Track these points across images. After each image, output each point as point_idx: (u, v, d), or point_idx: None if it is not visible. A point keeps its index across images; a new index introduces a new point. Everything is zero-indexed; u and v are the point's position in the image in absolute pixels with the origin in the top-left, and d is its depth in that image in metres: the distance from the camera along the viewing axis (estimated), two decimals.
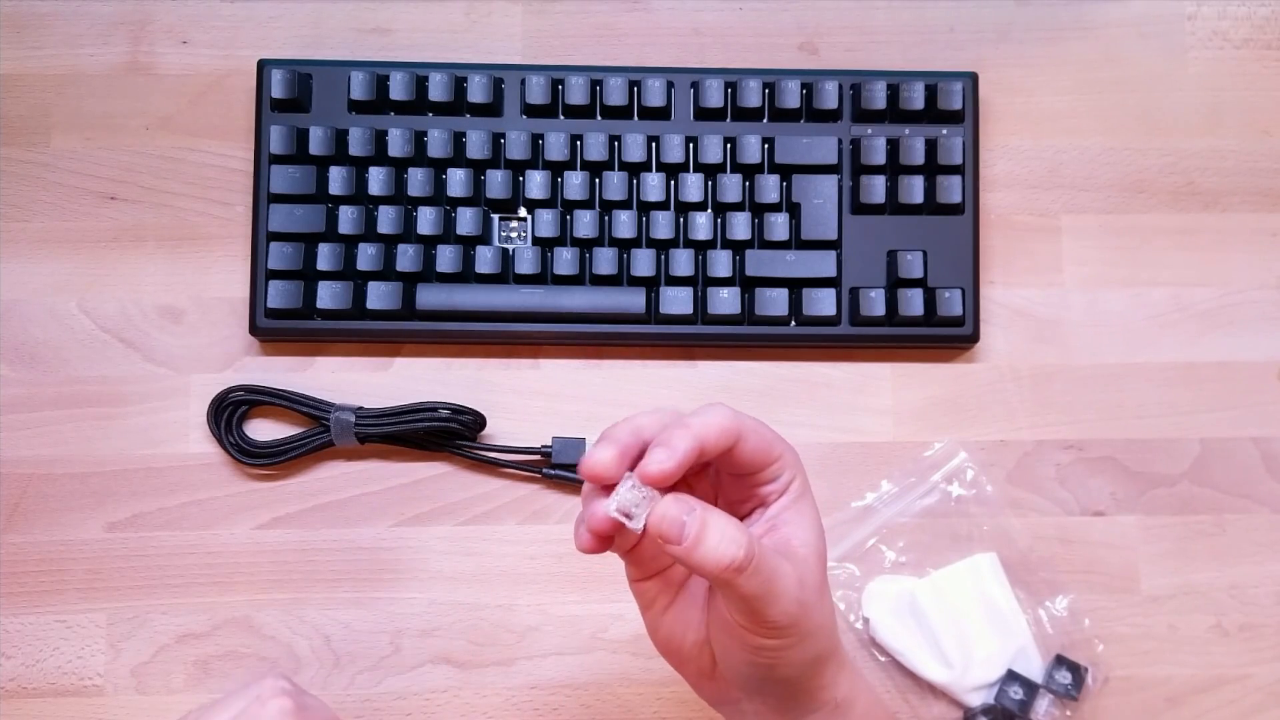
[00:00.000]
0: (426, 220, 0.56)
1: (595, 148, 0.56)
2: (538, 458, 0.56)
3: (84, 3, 0.59)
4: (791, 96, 0.57)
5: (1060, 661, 0.55)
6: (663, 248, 0.56)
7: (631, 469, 0.35)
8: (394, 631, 0.56)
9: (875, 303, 0.56)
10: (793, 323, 0.57)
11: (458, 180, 0.56)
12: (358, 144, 0.56)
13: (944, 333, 0.57)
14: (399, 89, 0.56)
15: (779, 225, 0.56)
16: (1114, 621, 0.56)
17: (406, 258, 0.55)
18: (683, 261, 0.56)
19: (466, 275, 0.56)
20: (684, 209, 0.57)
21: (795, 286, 0.56)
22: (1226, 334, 0.58)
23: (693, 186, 0.56)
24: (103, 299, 0.57)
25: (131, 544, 0.56)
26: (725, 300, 0.56)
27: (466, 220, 0.56)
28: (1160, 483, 0.57)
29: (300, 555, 0.56)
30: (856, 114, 0.57)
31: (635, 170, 0.57)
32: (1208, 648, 0.56)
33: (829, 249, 0.57)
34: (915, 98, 0.57)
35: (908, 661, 0.55)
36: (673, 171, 0.57)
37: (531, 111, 0.57)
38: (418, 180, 0.56)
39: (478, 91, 0.56)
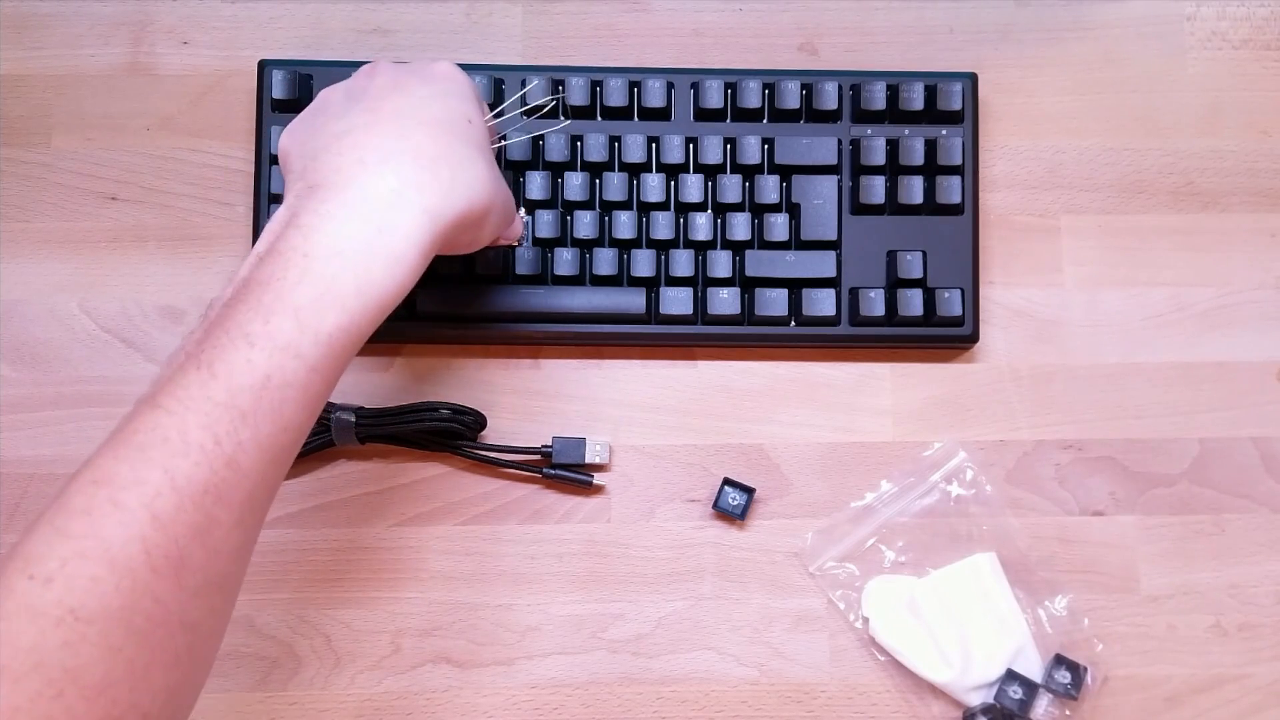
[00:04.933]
0: None
1: (595, 148, 0.56)
2: (538, 458, 0.56)
3: (84, 3, 0.59)
4: (791, 97, 0.57)
5: (1059, 661, 0.55)
6: (663, 248, 0.57)
7: None
8: (394, 631, 0.56)
9: (875, 303, 0.56)
10: (792, 323, 0.57)
11: None
12: None
13: (944, 333, 0.57)
14: None
15: (779, 225, 0.56)
16: (1113, 621, 0.56)
17: None
18: (683, 262, 0.56)
19: (467, 275, 0.56)
20: (684, 209, 0.57)
21: (795, 287, 0.56)
22: (1226, 334, 0.59)
23: (693, 187, 0.56)
24: (104, 299, 0.57)
25: None
26: (725, 300, 0.56)
27: None
28: (1159, 483, 0.58)
29: (300, 555, 0.56)
30: (856, 114, 0.57)
31: (635, 171, 0.57)
32: (1207, 647, 0.56)
33: (829, 249, 0.57)
34: (915, 98, 0.57)
35: (907, 661, 0.55)
36: (673, 172, 0.57)
37: (532, 112, 0.57)
38: None
39: None
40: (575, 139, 0.57)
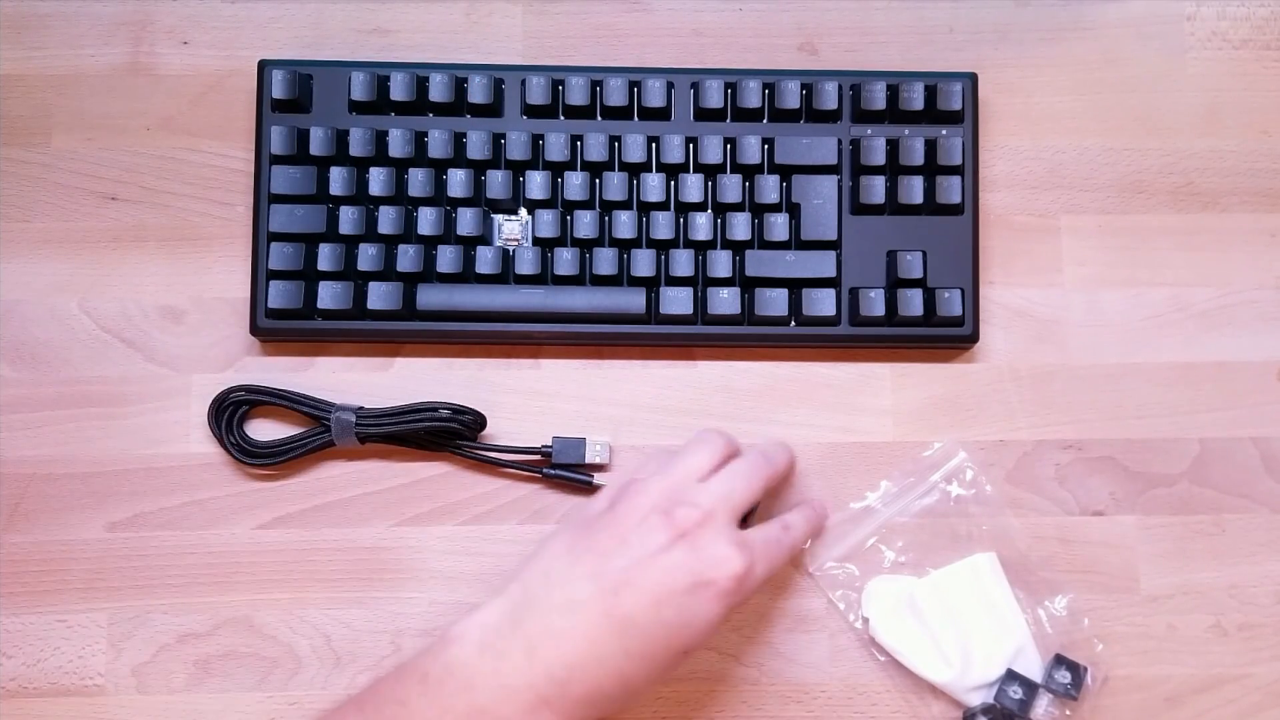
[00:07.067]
0: (427, 220, 0.56)
1: (595, 148, 0.56)
2: (538, 458, 0.56)
3: (85, 3, 0.59)
4: (791, 97, 0.57)
5: (1059, 661, 0.55)
6: (663, 248, 0.57)
7: None
8: (394, 631, 0.56)
9: (875, 303, 0.56)
10: (792, 323, 0.57)
11: (458, 180, 0.56)
12: (358, 144, 0.56)
13: (944, 333, 0.57)
14: (399, 89, 0.56)
15: (779, 225, 0.56)
16: (1113, 621, 0.56)
17: (407, 258, 0.55)
18: (683, 262, 0.56)
19: (467, 275, 0.56)
20: (684, 209, 0.57)
21: (795, 286, 0.56)
22: (1226, 334, 0.59)
23: (693, 187, 0.56)
24: (103, 299, 0.57)
25: (132, 544, 0.56)
26: (725, 300, 0.56)
27: (467, 220, 0.56)
28: (1159, 483, 0.58)
29: (301, 555, 0.56)
30: (856, 114, 0.57)
31: (635, 171, 0.57)
32: (1207, 647, 0.56)
33: (829, 249, 0.57)
34: (915, 98, 0.57)
35: (907, 661, 0.55)
36: (673, 172, 0.57)
37: (532, 112, 0.57)
38: (418, 181, 0.56)
39: (478, 92, 0.56)
40: (575, 139, 0.57)
